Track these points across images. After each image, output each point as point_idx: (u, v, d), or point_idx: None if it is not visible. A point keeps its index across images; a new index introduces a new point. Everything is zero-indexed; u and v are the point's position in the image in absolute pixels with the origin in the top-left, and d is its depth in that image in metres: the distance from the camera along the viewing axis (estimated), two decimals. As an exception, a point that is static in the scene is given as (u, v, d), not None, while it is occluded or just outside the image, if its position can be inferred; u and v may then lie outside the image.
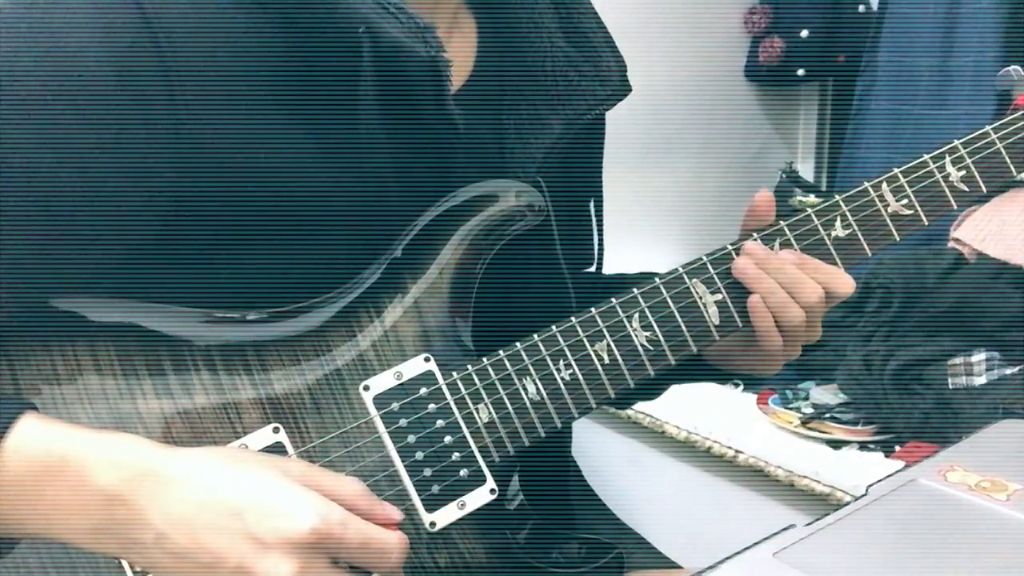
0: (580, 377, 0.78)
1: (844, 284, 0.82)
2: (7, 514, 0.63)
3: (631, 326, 0.80)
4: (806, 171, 2.39)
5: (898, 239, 0.84)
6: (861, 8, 2.21)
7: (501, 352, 0.78)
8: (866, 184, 0.84)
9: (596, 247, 0.97)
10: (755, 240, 0.83)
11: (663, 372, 0.81)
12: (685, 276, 0.82)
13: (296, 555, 0.60)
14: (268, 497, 0.61)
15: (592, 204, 0.94)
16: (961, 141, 0.86)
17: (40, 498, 0.62)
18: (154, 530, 0.60)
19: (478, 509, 0.76)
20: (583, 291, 0.86)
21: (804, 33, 2.21)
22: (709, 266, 0.82)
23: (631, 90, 0.88)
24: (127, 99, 0.67)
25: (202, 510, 0.60)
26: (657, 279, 0.81)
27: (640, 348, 0.80)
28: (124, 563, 0.68)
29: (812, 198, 2.11)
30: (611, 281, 0.96)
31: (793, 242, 0.83)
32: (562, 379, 0.78)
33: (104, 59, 0.67)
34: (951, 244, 1.74)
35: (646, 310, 0.80)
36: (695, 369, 0.89)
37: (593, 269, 0.96)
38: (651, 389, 0.91)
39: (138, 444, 0.63)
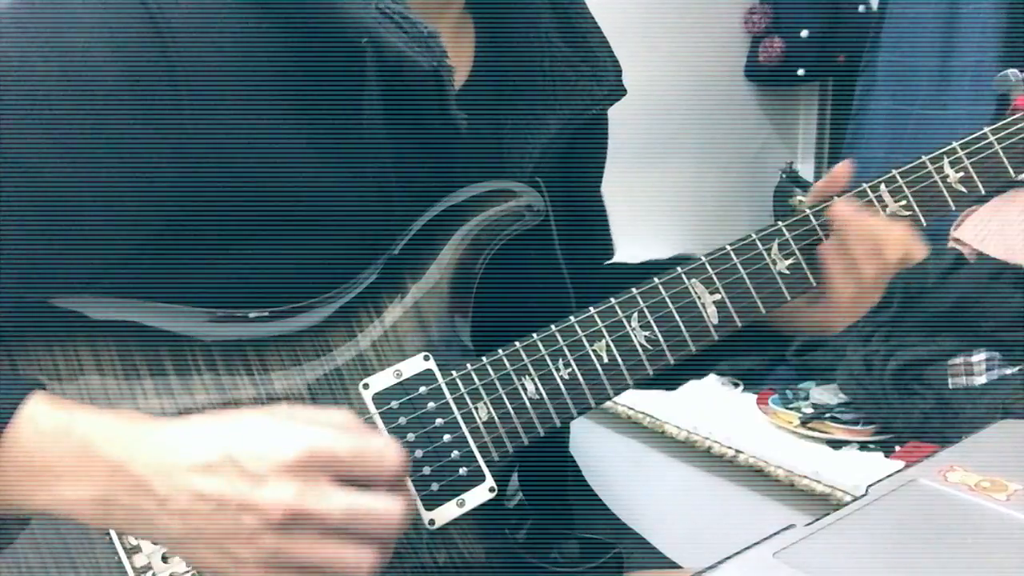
0: (579, 376, 0.78)
1: (920, 250, 0.84)
2: (17, 487, 0.63)
3: (630, 325, 0.80)
4: (806, 171, 2.39)
5: None
6: (861, 8, 2.21)
7: (500, 351, 0.78)
8: (864, 186, 0.84)
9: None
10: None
11: (726, 338, 0.82)
12: (684, 276, 0.82)
13: (293, 478, 0.59)
14: (254, 433, 0.61)
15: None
16: (959, 143, 0.86)
17: (48, 470, 0.62)
18: (155, 496, 0.60)
19: (477, 507, 0.76)
20: (607, 284, 0.85)
21: (804, 33, 2.21)
22: (708, 266, 0.82)
23: (626, 92, 0.89)
24: (132, 98, 0.68)
25: (196, 463, 0.60)
26: (656, 279, 0.82)
27: (639, 347, 0.80)
28: (124, 560, 0.68)
29: (812, 198, 2.11)
30: (641, 269, 0.96)
31: (792, 242, 0.83)
32: (561, 378, 0.78)
33: (110, 58, 0.67)
34: (951, 244, 1.74)
35: (645, 310, 0.80)
36: (759, 337, 0.90)
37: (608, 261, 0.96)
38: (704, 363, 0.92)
39: (134, 417, 0.64)
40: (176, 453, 0.61)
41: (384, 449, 0.63)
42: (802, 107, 2.45)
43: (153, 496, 0.60)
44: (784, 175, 2.26)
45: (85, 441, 0.62)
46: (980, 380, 1.46)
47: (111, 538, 0.69)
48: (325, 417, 0.64)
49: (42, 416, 0.63)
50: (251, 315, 0.74)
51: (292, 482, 0.59)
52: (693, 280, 0.82)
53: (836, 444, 1.54)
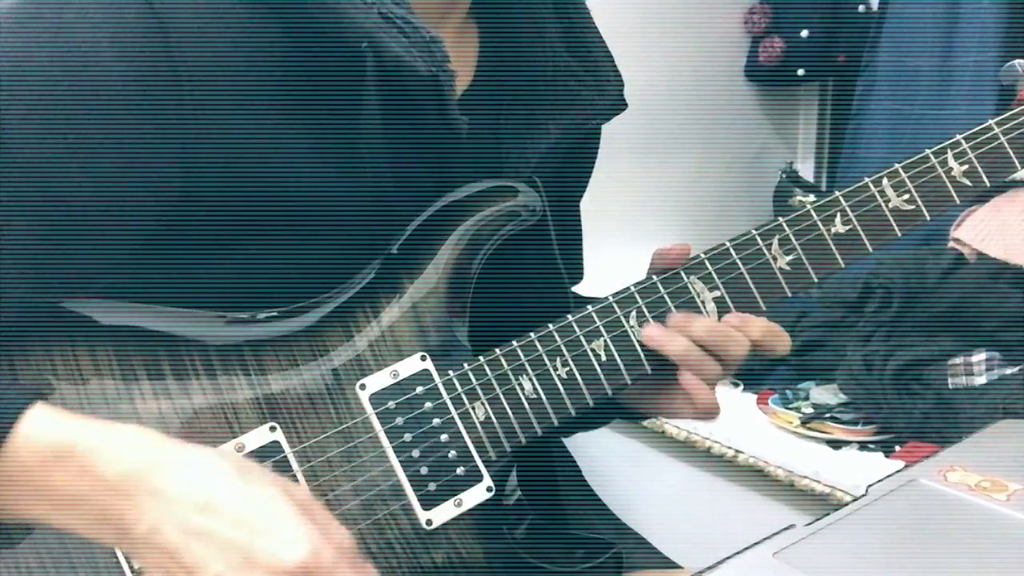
0: (577, 375, 0.78)
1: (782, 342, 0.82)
2: (13, 500, 0.63)
3: (628, 323, 0.80)
4: (806, 171, 2.39)
5: (899, 234, 0.84)
6: (861, 8, 2.21)
7: (497, 350, 0.78)
8: (866, 179, 0.84)
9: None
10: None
11: (585, 411, 0.80)
12: (683, 274, 0.81)
13: None
14: (267, 517, 0.60)
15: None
16: (963, 135, 0.85)
17: (46, 485, 0.61)
18: (148, 524, 0.59)
19: (475, 507, 0.76)
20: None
21: (804, 33, 2.21)
22: (707, 263, 0.82)
23: (627, 106, 0.89)
24: (136, 98, 0.67)
25: (199, 513, 0.59)
26: (655, 276, 0.81)
27: (637, 345, 0.80)
28: (122, 562, 0.68)
29: (812, 198, 2.11)
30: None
31: (792, 238, 0.83)
32: (559, 377, 0.78)
33: (115, 58, 0.67)
34: (951, 244, 1.73)
35: (643, 308, 0.80)
36: (611, 410, 0.89)
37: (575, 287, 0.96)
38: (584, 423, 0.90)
39: (146, 438, 0.63)
40: (184, 493, 0.60)
41: None
42: (802, 107, 2.45)
43: (146, 524, 0.59)
44: (784, 175, 2.26)
45: (87, 460, 0.61)
46: (980, 380, 1.45)
47: (109, 540, 0.69)
48: (335, 529, 0.62)
49: (41, 433, 0.62)
50: (260, 316, 0.74)
51: None
52: (692, 277, 0.82)
53: (836, 444, 1.53)
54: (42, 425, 0.62)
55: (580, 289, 0.98)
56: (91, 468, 0.61)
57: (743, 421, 1.65)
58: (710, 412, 0.82)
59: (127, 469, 0.60)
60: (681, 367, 0.80)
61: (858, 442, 1.53)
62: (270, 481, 0.63)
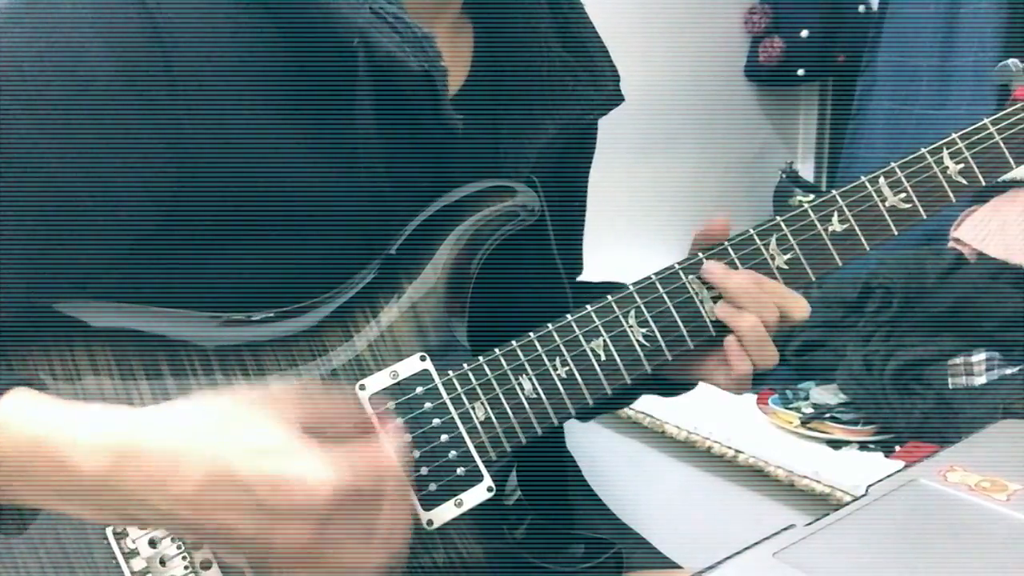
0: (577, 374, 0.78)
1: (799, 308, 0.82)
2: (7, 486, 0.61)
3: (627, 323, 0.80)
4: (806, 171, 2.39)
5: (896, 232, 0.84)
6: (861, 8, 2.21)
7: (497, 350, 0.78)
8: (863, 179, 0.84)
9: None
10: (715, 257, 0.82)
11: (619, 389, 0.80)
12: (681, 273, 0.82)
13: (315, 521, 0.56)
14: (275, 468, 0.56)
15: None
16: (959, 134, 0.85)
17: (35, 475, 0.60)
18: (153, 508, 0.58)
19: (475, 507, 0.76)
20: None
21: (804, 33, 2.21)
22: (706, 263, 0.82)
23: (623, 99, 0.89)
24: (129, 97, 0.67)
25: (205, 488, 0.57)
26: (653, 275, 0.81)
27: (637, 345, 0.80)
28: (122, 563, 0.68)
29: (812, 198, 2.11)
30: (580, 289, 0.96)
31: (790, 237, 0.83)
32: (558, 376, 0.78)
33: (107, 56, 0.67)
34: (951, 244, 1.74)
35: (642, 307, 0.80)
36: (648, 384, 0.88)
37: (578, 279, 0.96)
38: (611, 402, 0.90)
39: (116, 422, 0.60)
40: (177, 471, 0.57)
41: (390, 461, 0.60)
42: (802, 107, 2.45)
43: (151, 508, 0.58)
44: (784, 175, 2.26)
45: (65, 454, 0.58)
46: (980, 380, 1.45)
47: (109, 541, 0.69)
48: (328, 410, 0.61)
49: (18, 423, 0.60)
50: (255, 317, 0.74)
51: (313, 525, 0.56)
52: (691, 276, 0.82)
53: (836, 444, 1.53)
54: (18, 415, 0.60)
55: (591, 277, 0.98)
56: (73, 465, 0.58)
57: (743, 421, 1.65)
58: (743, 380, 0.84)
59: (107, 462, 0.58)
60: (738, 310, 0.80)
61: (858, 442, 1.53)
62: (255, 419, 0.59)
